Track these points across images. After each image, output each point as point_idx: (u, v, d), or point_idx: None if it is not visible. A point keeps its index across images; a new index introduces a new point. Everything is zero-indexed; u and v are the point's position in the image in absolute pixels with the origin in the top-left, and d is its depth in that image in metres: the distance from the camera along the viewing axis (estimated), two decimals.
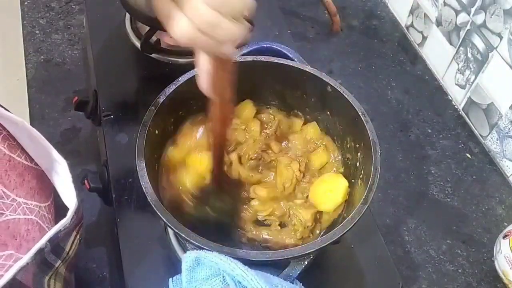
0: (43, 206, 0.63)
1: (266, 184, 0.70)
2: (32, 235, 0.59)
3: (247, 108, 0.76)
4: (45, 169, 0.65)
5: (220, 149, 0.64)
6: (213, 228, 0.65)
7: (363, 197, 0.60)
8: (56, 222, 0.57)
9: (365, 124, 0.65)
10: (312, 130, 0.75)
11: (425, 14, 1.06)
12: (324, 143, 0.74)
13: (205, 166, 0.67)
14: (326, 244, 0.56)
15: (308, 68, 0.71)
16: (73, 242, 0.60)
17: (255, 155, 0.72)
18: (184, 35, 0.46)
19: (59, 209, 0.65)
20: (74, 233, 0.60)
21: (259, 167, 0.72)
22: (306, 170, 0.71)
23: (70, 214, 0.56)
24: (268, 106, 0.77)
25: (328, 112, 0.73)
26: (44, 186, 0.65)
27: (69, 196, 0.59)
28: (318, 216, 0.68)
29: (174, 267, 0.70)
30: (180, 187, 0.67)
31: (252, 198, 0.68)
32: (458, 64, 0.99)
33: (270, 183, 0.70)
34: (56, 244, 0.56)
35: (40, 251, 0.53)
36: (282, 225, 0.68)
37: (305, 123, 0.76)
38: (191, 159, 0.69)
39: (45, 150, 0.61)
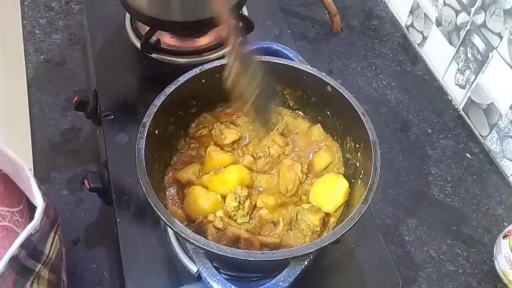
0: (15, 211, 0.61)
1: (271, 190, 0.70)
2: (8, 242, 0.57)
3: None
4: (9, 173, 0.63)
5: None
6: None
7: (363, 197, 0.60)
8: None
9: (365, 124, 0.65)
10: (317, 132, 0.75)
11: (425, 14, 1.06)
12: (327, 144, 0.74)
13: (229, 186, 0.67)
14: (326, 244, 0.56)
15: (308, 68, 0.71)
16: (52, 244, 0.59)
17: (263, 153, 0.72)
18: None
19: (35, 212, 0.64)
20: (52, 234, 0.59)
21: (268, 164, 0.72)
22: (308, 171, 0.72)
23: (38, 215, 0.55)
24: (277, 107, 0.78)
25: (328, 112, 0.73)
26: (13, 190, 0.63)
27: (36, 198, 0.58)
28: (326, 220, 0.68)
29: (174, 267, 0.70)
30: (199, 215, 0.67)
31: (261, 208, 0.68)
32: (458, 64, 0.99)
33: (274, 189, 0.70)
34: (32, 248, 0.55)
35: (15, 258, 0.52)
36: (290, 229, 0.68)
37: (310, 125, 0.77)
38: (213, 182, 0.69)
39: (4, 154, 0.60)
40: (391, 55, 1.10)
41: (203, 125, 0.75)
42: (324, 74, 0.70)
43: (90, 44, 0.95)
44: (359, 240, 0.74)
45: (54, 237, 0.59)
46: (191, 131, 0.75)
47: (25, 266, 0.54)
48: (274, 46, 0.77)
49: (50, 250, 0.59)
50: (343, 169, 0.72)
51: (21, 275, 0.54)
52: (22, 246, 0.53)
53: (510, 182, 0.92)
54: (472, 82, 0.96)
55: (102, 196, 0.80)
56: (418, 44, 1.11)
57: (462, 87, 0.99)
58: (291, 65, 0.72)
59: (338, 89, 0.69)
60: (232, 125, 0.75)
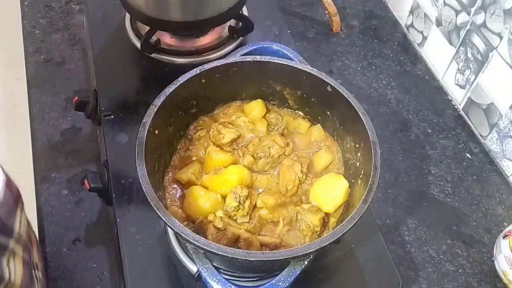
0: None
1: (271, 190, 0.70)
2: None
3: (258, 107, 0.76)
4: None
5: None
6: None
7: (363, 197, 0.60)
8: None
9: (365, 124, 0.65)
10: (317, 132, 0.75)
11: (425, 14, 1.06)
12: (327, 144, 0.74)
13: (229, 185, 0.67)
14: (326, 244, 0.56)
15: (308, 68, 0.71)
16: (20, 222, 0.60)
17: (263, 153, 0.72)
18: None
19: None
20: (18, 211, 0.60)
21: (268, 164, 0.72)
22: (308, 171, 0.71)
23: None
24: (280, 107, 0.78)
25: (328, 112, 0.73)
26: None
27: None
28: (326, 220, 0.68)
29: (174, 267, 0.70)
30: (199, 216, 0.67)
31: (261, 208, 0.68)
32: (458, 64, 0.99)
33: (274, 189, 0.71)
34: (1, 223, 0.55)
35: None
36: (290, 229, 0.68)
37: (310, 125, 0.77)
38: (213, 182, 0.69)
39: None
40: (391, 55, 1.10)
41: (201, 127, 0.76)
42: (324, 74, 0.70)
43: (90, 44, 0.95)
44: (359, 240, 0.74)
45: (21, 215, 0.60)
46: (189, 132, 0.75)
47: None
48: (274, 46, 0.77)
49: (19, 228, 0.60)
50: (343, 169, 0.72)
51: None
52: None
53: (510, 182, 0.92)
54: (472, 82, 0.96)
55: (102, 196, 0.80)
56: (418, 44, 1.11)
57: (462, 87, 0.99)
58: (291, 65, 0.72)
59: (338, 89, 0.69)
60: (230, 125, 0.75)
